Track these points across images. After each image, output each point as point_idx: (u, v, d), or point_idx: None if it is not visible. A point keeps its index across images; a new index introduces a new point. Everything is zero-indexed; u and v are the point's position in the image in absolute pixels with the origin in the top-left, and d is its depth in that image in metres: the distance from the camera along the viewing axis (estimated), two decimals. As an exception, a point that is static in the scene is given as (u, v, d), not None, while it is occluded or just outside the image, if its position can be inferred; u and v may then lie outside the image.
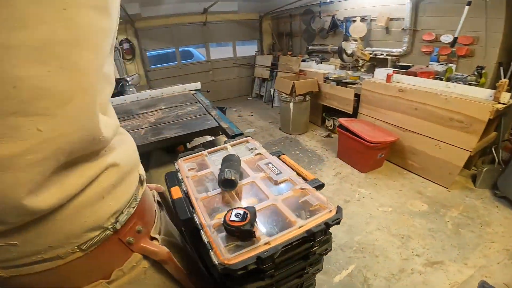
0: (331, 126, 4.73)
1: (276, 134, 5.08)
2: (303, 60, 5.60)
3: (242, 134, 1.98)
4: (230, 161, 1.09)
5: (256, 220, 0.80)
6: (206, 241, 0.77)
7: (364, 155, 3.31)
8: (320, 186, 1.03)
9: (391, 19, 4.34)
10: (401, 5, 4.05)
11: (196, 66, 7.29)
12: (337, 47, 4.42)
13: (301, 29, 6.49)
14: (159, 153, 2.47)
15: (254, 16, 7.28)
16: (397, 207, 2.80)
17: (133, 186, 0.73)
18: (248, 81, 8.03)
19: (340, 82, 4.36)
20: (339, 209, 0.86)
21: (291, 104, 4.58)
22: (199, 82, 3.79)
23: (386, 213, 2.72)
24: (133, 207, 0.70)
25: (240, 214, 0.76)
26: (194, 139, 2.36)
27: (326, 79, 4.43)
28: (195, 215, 0.88)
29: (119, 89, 3.71)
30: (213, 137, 2.42)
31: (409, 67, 3.95)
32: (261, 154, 1.28)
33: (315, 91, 4.64)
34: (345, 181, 3.30)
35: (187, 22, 6.51)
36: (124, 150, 0.70)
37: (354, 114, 4.12)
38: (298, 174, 1.11)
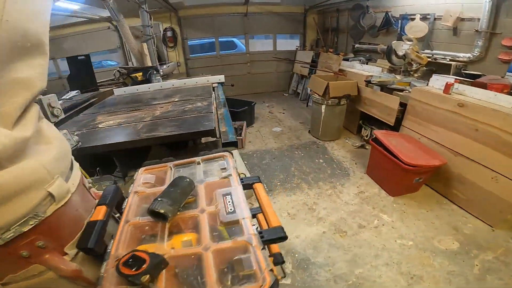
0: (367, 136, 4.17)
1: (303, 137, 4.70)
2: (346, 59, 5.04)
3: (235, 143, 1.73)
4: (173, 187, 0.87)
5: (163, 271, 0.64)
6: (100, 273, 0.67)
7: (397, 177, 2.79)
8: (277, 240, 0.75)
9: (462, 19, 3.56)
10: (477, 3, 3.28)
11: (234, 57, 7.17)
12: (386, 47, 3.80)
13: (349, 25, 5.84)
14: (159, 149, 2.34)
15: (298, 9, 6.82)
16: (420, 242, 2.31)
17: (28, 205, 0.69)
18: (286, 77, 7.66)
19: (384, 88, 3.77)
20: (275, 285, 0.59)
21: (323, 106, 4.14)
22: (223, 75, 3.61)
23: (404, 247, 2.25)
24: (31, 224, 0.69)
25: (136, 261, 0.61)
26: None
27: (368, 82, 3.85)
28: (112, 241, 0.74)
29: (147, 77, 3.72)
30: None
31: (478, 76, 3.21)
32: (228, 178, 1.02)
33: (354, 94, 4.10)
34: (367, 203, 2.84)
35: (228, 12, 6.39)
36: (18, 168, 0.65)
37: (396, 126, 3.53)
38: (264, 215, 0.84)
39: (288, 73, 7.61)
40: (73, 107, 3.45)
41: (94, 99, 3.91)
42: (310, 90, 4.61)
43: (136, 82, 3.89)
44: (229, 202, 0.84)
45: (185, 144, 2.33)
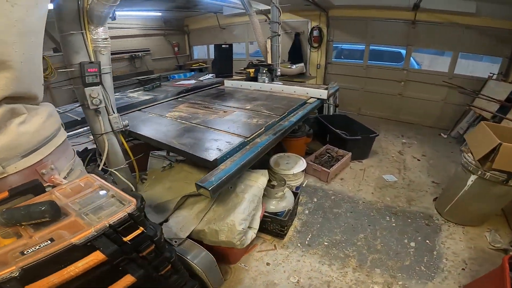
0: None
1: (419, 203, 3.25)
2: None
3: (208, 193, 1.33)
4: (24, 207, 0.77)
5: None
6: None
7: None
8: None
9: None
10: None
11: (386, 71, 5.91)
12: None
13: None
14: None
15: (506, 24, 4.44)
16: None
17: None
18: (456, 112, 5.49)
19: None
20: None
21: (472, 177, 2.58)
22: (326, 91, 2.98)
23: None
24: None
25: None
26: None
27: None
28: None
29: (255, 74, 3.71)
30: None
31: None
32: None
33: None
34: None
35: (388, 17, 5.19)
36: None
37: None
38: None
39: (461, 108, 5.39)
40: (196, 88, 4.00)
41: (218, 85, 4.36)
42: (465, 143, 2.98)
43: (248, 77, 3.99)
44: None
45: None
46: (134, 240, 1.04)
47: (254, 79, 3.86)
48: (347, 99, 6.33)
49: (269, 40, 3.92)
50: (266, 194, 2.37)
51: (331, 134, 4.23)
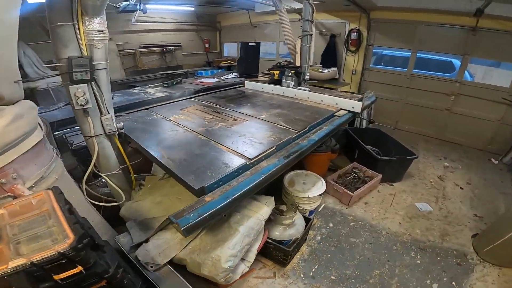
0: None
1: (453, 239, 2.77)
2: None
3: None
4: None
5: None
6: None
7: None
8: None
9: None
10: None
11: (433, 82, 5.21)
12: None
13: None
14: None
15: None
16: None
17: None
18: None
19: None
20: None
21: None
22: (360, 104, 2.54)
23: None
24: None
25: None
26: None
27: None
28: None
29: (279, 77, 3.37)
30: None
31: None
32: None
33: None
34: None
35: (443, 22, 4.50)
36: None
37: None
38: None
39: (522, 131, 4.56)
40: (215, 88, 3.77)
41: (239, 86, 4.09)
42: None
43: (272, 79, 3.66)
44: None
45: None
46: (71, 279, 0.90)
47: (279, 82, 3.53)
48: (383, 110, 5.71)
49: (299, 39, 3.54)
50: (272, 219, 2.05)
51: (360, 150, 3.75)
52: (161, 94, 3.15)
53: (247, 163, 1.49)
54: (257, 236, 1.59)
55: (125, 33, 6.57)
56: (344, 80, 6.14)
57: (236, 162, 1.49)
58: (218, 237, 1.46)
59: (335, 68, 5.29)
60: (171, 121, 2.14)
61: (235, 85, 3.92)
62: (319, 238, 2.67)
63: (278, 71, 3.49)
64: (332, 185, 3.15)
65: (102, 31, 1.54)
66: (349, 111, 2.64)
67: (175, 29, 7.49)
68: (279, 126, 2.08)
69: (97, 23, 1.52)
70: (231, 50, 8.69)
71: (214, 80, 4.25)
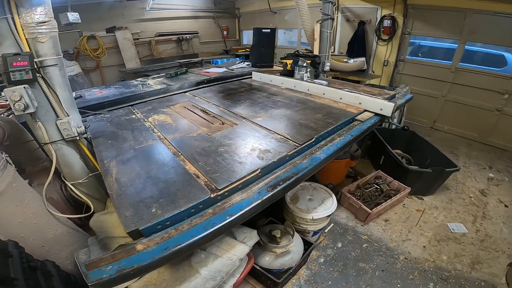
0: None
1: (484, 268, 2.31)
2: None
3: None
4: None
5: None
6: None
7: None
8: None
9: None
10: None
11: (483, 77, 4.38)
12: None
13: None
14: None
15: None
16: None
17: None
18: None
19: None
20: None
21: None
22: (391, 105, 2.03)
23: None
24: None
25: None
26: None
27: None
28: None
29: (292, 67, 2.91)
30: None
31: None
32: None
33: None
34: None
35: (502, 11, 3.66)
36: None
37: None
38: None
39: None
40: (220, 79, 3.39)
41: (247, 77, 3.67)
42: None
43: (285, 70, 3.20)
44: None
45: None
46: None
47: (292, 73, 3.07)
48: (418, 107, 5.00)
49: (318, 24, 3.02)
50: (262, 244, 1.68)
51: (387, 156, 3.20)
52: (159, 87, 2.86)
53: (211, 196, 1.05)
54: (229, 278, 1.24)
55: (140, 22, 6.40)
56: (373, 72, 5.49)
57: (197, 193, 1.06)
58: (177, 274, 1.13)
59: (363, 59, 4.66)
60: (147, 123, 1.81)
61: (243, 75, 3.51)
62: (322, 260, 2.26)
63: (292, 61, 3.03)
64: (348, 198, 2.69)
65: (45, 22, 1.24)
66: (376, 114, 2.11)
67: (191, 17, 7.18)
68: (276, 135, 1.63)
69: (39, 14, 1.22)
70: (250, 37, 8.24)
71: (222, 70, 3.88)
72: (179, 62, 6.24)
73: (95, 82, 6.04)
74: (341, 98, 2.35)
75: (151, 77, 3.55)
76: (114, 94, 2.63)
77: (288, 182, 1.17)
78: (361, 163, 3.72)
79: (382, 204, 2.61)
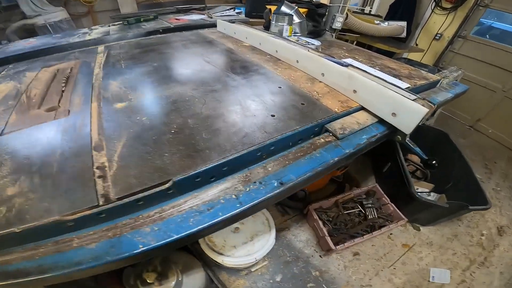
0: None
1: None
2: None
3: None
4: None
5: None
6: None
7: None
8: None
9: None
10: None
11: None
12: None
13: None
14: None
15: None
16: None
17: None
18: None
19: None
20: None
21: None
22: (423, 109, 1.11)
23: None
24: None
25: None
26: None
27: None
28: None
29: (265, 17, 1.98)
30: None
31: None
32: None
33: None
34: None
35: None
36: None
37: None
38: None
39: None
40: (185, 28, 2.56)
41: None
42: None
43: (267, 21, 2.27)
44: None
45: None
46: None
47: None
48: (465, 98, 3.77)
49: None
50: None
51: (394, 165, 2.29)
52: (95, 37, 2.18)
53: None
54: None
55: (141, -41, 5.38)
56: (416, 45, 4.24)
57: None
58: None
59: (403, 23, 3.43)
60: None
61: (212, 26, 2.61)
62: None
63: (275, 7, 2.09)
64: (314, 219, 1.95)
65: None
66: (380, 121, 1.20)
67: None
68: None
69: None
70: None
71: (198, 17, 3.02)
72: (176, 8, 5.30)
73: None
74: (323, 75, 1.44)
75: (108, 25, 2.86)
76: (43, 44, 2.03)
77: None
78: (360, 164, 2.87)
79: (356, 239, 1.83)
